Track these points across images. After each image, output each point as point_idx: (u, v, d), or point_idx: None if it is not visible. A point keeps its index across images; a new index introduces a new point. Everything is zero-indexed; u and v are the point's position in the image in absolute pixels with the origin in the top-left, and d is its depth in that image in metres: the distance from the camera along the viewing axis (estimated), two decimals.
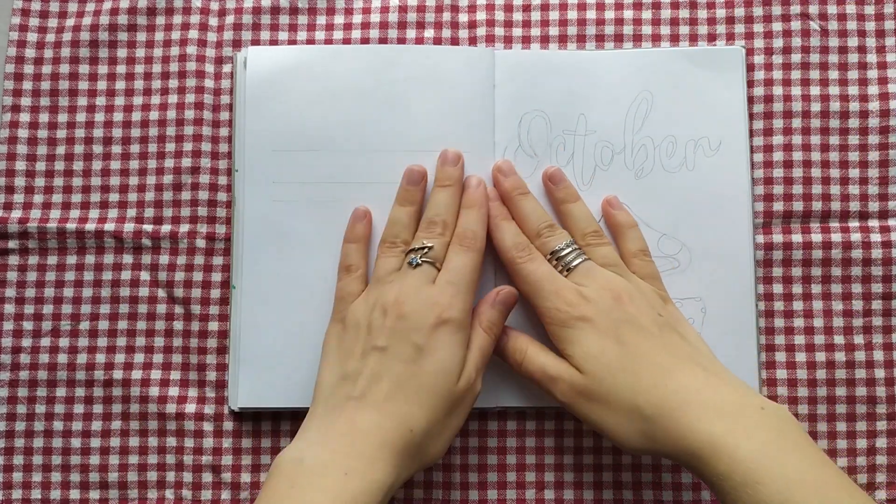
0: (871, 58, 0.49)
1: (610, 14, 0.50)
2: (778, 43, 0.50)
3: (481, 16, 0.50)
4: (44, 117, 0.50)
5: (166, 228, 0.49)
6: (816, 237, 0.48)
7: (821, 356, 0.47)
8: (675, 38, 0.50)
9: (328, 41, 0.50)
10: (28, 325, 0.48)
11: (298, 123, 0.48)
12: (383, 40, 0.50)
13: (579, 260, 0.44)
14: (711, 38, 0.50)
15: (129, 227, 0.49)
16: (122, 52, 0.50)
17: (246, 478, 0.47)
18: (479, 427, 0.48)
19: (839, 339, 0.48)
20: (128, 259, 0.49)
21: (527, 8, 0.50)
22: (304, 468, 0.37)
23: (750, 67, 0.49)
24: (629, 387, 0.39)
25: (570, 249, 0.44)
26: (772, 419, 0.37)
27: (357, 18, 0.50)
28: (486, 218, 0.45)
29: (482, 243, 0.44)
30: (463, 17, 0.50)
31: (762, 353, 0.48)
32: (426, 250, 0.43)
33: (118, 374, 0.48)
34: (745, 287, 0.47)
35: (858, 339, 0.47)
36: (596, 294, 0.42)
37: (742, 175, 0.48)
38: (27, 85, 0.50)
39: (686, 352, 0.41)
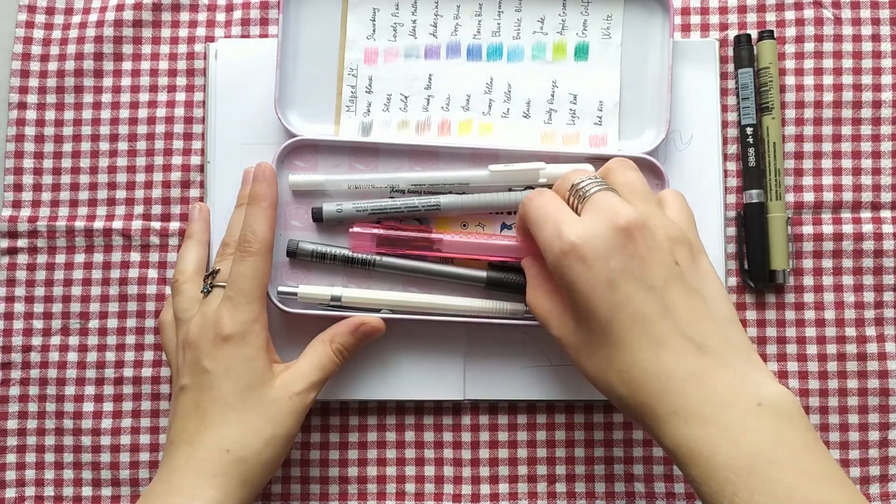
0: (886, 46, 0.49)
1: None
2: (791, 32, 0.49)
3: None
4: (50, 115, 0.49)
5: (174, 226, 0.48)
6: (828, 228, 0.48)
7: (832, 349, 0.47)
8: (686, 28, 0.49)
9: None
10: (38, 324, 0.48)
11: (266, 117, 0.47)
12: None
13: (596, 188, 0.37)
14: (723, 27, 0.49)
15: (136, 224, 0.48)
16: (128, 49, 0.50)
17: None
18: (490, 421, 0.48)
19: (850, 332, 0.47)
20: (136, 257, 0.48)
21: None
22: None
23: None
24: (605, 359, 0.35)
25: (590, 181, 0.37)
26: (768, 420, 0.32)
27: None
28: (269, 213, 0.42)
29: (264, 244, 0.41)
30: None
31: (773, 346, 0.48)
32: (215, 274, 0.42)
33: (128, 372, 0.48)
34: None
35: (870, 332, 0.47)
36: (599, 228, 0.35)
37: (714, 169, 0.48)
38: (33, 82, 0.49)
39: (686, 319, 0.34)
